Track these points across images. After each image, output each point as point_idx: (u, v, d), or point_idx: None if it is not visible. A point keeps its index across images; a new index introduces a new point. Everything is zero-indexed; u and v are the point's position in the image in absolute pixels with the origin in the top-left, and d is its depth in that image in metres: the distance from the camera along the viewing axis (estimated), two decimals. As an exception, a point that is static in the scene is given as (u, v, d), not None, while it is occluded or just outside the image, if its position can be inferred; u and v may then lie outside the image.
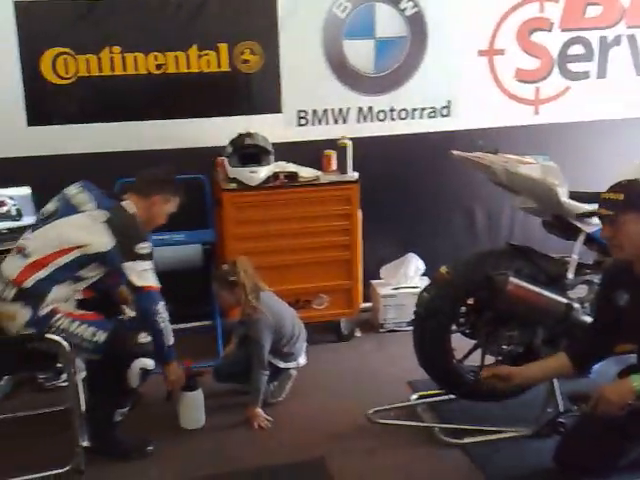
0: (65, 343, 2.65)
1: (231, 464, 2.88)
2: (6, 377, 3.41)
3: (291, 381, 3.37)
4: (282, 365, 3.31)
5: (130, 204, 2.86)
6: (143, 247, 2.76)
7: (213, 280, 3.40)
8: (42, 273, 2.68)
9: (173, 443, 3.02)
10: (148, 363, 2.79)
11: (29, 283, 2.68)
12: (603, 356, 2.67)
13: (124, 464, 2.88)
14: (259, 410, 3.16)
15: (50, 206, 2.88)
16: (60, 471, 2.74)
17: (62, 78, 3.69)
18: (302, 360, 3.41)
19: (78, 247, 2.71)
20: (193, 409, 3.13)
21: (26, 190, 3.50)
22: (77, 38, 3.66)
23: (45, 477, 2.73)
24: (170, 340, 2.85)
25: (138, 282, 2.75)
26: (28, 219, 3.48)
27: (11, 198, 3.49)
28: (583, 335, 2.65)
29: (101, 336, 2.74)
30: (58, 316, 2.71)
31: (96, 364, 2.85)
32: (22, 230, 3.36)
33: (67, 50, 3.66)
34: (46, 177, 3.59)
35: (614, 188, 2.27)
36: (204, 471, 2.84)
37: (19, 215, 3.51)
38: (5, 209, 3.49)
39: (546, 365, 2.67)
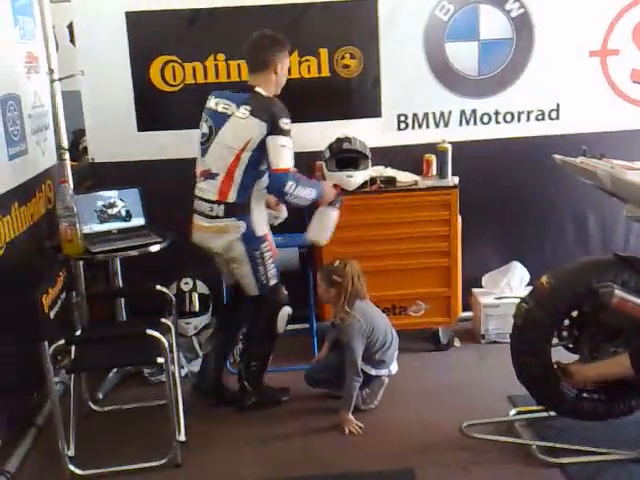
0: (164, 340, 2.76)
1: (319, 467, 2.88)
2: (114, 370, 3.59)
3: (383, 388, 3.33)
4: (374, 372, 3.27)
5: (259, 88, 3.08)
6: (285, 122, 3.00)
7: (319, 270, 3.41)
8: (235, 183, 3.03)
9: (264, 443, 3.06)
10: (290, 311, 3.25)
11: (232, 197, 3.04)
12: None
13: (220, 459, 2.96)
14: (350, 416, 3.14)
15: (204, 129, 3.15)
16: (158, 463, 2.87)
17: (170, 85, 3.84)
18: (394, 368, 3.36)
19: (245, 146, 2.99)
20: (325, 223, 3.34)
21: (135, 191, 3.65)
22: (183, 46, 3.80)
23: (144, 468, 2.86)
24: (313, 194, 3.15)
25: (273, 162, 2.97)
26: (138, 220, 3.65)
27: (121, 199, 3.65)
28: None
29: (272, 280, 3.21)
30: (266, 244, 3.16)
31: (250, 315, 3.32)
32: (132, 230, 3.57)
33: (174, 58, 3.81)
34: (154, 180, 3.77)
35: None
36: (293, 472, 2.86)
37: (129, 216, 3.66)
38: (116, 210, 3.64)
39: (606, 365, 2.62)
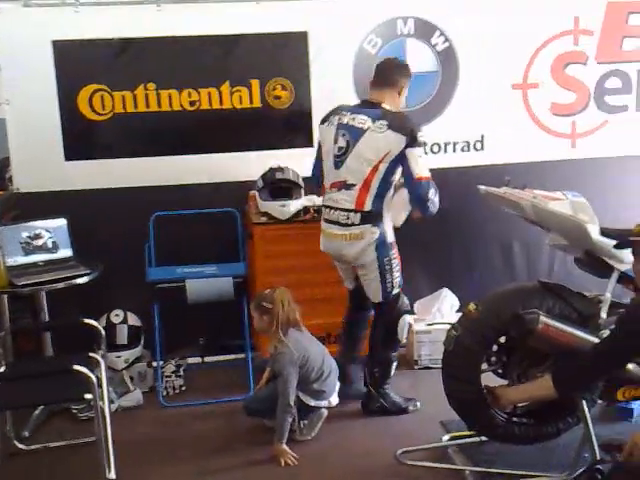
0: (92, 375, 2.68)
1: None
2: (40, 407, 3.46)
3: (322, 421, 3.32)
4: (312, 403, 3.26)
5: (386, 104, 3.25)
6: (421, 135, 3.18)
7: (252, 300, 3.40)
8: (371, 193, 3.20)
9: (200, 478, 3.00)
10: (410, 320, 3.42)
11: (367, 206, 3.21)
12: (589, 385, 2.68)
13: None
14: (284, 446, 3.12)
15: (341, 142, 3.27)
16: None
17: (98, 114, 3.79)
18: (334, 400, 3.35)
19: (383, 158, 3.15)
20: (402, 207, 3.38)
21: (62, 222, 3.56)
22: (113, 76, 3.76)
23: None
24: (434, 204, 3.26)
25: (415, 171, 3.15)
26: (65, 252, 3.57)
27: (47, 230, 3.56)
28: (572, 361, 2.57)
29: (396, 289, 3.36)
30: (394, 251, 3.33)
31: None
32: (58, 262, 3.48)
33: (103, 87, 3.76)
34: (82, 210, 3.70)
35: None
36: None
37: (55, 247, 3.58)
38: (42, 241, 3.55)
39: (530, 387, 2.70)
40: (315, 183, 3.59)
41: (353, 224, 3.24)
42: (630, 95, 4.24)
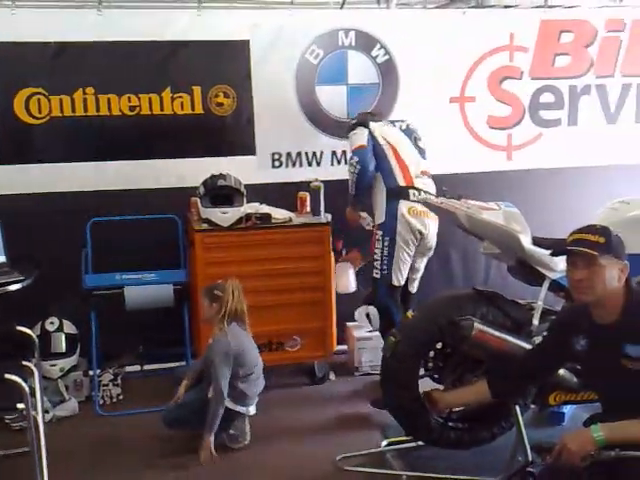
0: (25, 385, 2.61)
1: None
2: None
3: (247, 423, 3.29)
4: (230, 405, 3.21)
5: None
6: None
7: (203, 289, 3.39)
8: None
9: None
10: None
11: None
12: (523, 390, 2.75)
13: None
14: (210, 441, 3.10)
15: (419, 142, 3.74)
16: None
17: (35, 118, 3.71)
18: (252, 409, 3.32)
19: None
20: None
21: (-6, 227, 3.47)
22: (50, 79, 3.70)
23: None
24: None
25: None
26: (-2, 257, 3.46)
27: (-20, 236, 3.45)
28: (506, 366, 2.65)
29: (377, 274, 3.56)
30: None
31: None
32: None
33: (40, 90, 3.69)
34: (17, 215, 3.58)
35: (591, 231, 2.24)
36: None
37: (-13, 253, 3.47)
38: (-26, 247, 3.45)
39: (466, 391, 2.76)
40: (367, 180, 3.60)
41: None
42: (562, 110, 4.41)
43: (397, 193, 3.54)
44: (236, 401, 3.23)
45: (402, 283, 3.61)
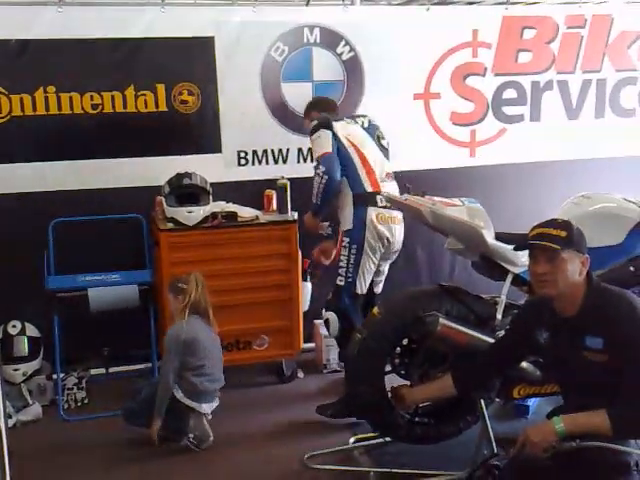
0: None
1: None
2: None
3: (205, 420, 3.26)
4: (180, 397, 3.18)
5: None
6: None
7: (168, 284, 3.40)
8: None
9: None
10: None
11: None
12: (485, 383, 2.78)
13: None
14: (156, 426, 3.15)
15: (382, 141, 3.68)
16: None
17: (-6, 117, 3.64)
18: (206, 408, 3.26)
19: None
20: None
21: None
22: (11, 78, 3.62)
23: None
24: None
25: None
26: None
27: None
28: (470, 361, 2.68)
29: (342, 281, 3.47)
30: None
31: None
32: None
33: (0, 89, 3.61)
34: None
35: (553, 225, 2.27)
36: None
37: (-55, 256, 3.41)
38: None
39: (432, 386, 2.79)
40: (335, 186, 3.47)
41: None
42: (525, 106, 4.45)
43: (365, 199, 3.44)
44: (188, 395, 3.20)
45: (365, 291, 3.53)
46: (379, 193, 3.44)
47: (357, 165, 3.46)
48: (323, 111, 3.64)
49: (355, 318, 3.45)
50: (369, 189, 3.45)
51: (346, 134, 3.50)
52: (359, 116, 3.74)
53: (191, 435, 3.21)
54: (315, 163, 3.46)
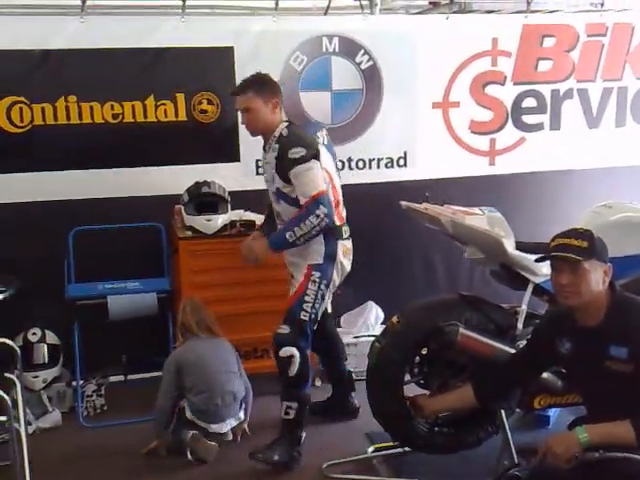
0: (7, 397, 2.58)
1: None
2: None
3: (217, 439, 3.23)
4: (188, 415, 3.21)
5: None
6: None
7: None
8: None
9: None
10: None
11: None
12: (506, 393, 2.75)
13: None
14: (154, 444, 3.23)
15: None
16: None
17: (17, 127, 3.68)
18: (216, 427, 3.24)
19: None
20: None
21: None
22: (32, 87, 3.67)
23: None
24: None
25: None
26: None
27: (-40, 246, 3.43)
28: (491, 371, 2.67)
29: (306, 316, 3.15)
30: None
31: None
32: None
33: (22, 99, 3.65)
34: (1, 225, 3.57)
35: (574, 235, 2.26)
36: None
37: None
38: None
39: (451, 396, 2.77)
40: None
41: None
42: (545, 114, 4.43)
43: (333, 233, 3.14)
44: (196, 414, 3.23)
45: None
46: (344, 224, 3.24)
47: (330, 196, 3.10)
48: (276, 97, 3.17)
49: (308, 351, 3.18)
50: (338, 222, 3.18)
51: (323, 162, 3.11)
52: (318, 126, 3.46)
53: (190, 452, 3.18)
54: (308, 200, 2.98)
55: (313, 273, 3.14)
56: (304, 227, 3.00)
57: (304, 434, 3.17)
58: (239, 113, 3.27)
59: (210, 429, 3.24)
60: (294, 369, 3.08)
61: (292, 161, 3.00)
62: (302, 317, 3.12)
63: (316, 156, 3.03)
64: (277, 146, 3.09)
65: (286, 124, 3.15)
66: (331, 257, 3.15)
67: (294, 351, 3.08)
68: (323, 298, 3.17)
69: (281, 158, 3.05)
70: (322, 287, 3.14)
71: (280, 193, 3.14)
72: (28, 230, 3.66)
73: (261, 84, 3.16)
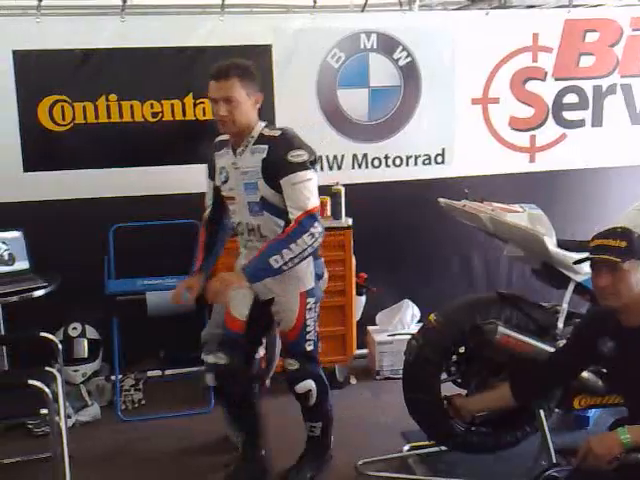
0: (48, 390, 2.63)
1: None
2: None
3: None
4: None
5: None
6: None
7: None
8: None
9: None
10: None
11: None
12: (545, 393, 2.71)
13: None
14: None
15: None
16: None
17: (59, 125, 3.74)
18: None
19: None
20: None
21: (17, 234, 3.52)
22: (74, 86, 3.72)
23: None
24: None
25: None
26: (21, 264, 3.52)
27: (4, 242, 3.50)
28: (531, 369, 2.62)
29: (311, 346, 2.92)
30: None
31: None
32: (15, 275, 3.42)
33: (64, 98, 3.72)
34: (41, 222, 3.65)
35: (612, 235, 2.22)
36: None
37: (11, 260, 3.52)
38: (-3, 254, 3.50)
39: (489, 396, 2.74)
40: None
41: None
42: (587, 111, 4.34)
43: (316, 250, 2.77)
44: None
45: None
46: None
47: None
48: (259, 93, 2.81)
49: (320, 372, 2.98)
50: None
51: None
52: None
53: None
54: (301, 215, 2.60)
55: (307, 300, 2.82)
56: (295, 248, 2.54)
57: (332, 437, 3.08)
58: (211, 103, 2.76)
59: None
60: (312, 400, 2.91)
61: (292, 165, 2.61)
62: (307, 348, 2.88)
63: (315, 163, 2.74)
64: (264, 147, 2.68)
65: (264, 123, 2.78)
66: (318, 278, 2.88)
67: (310, 384, 2.89)
68: (318, 316, 2.91)
69: (273, 161, 2.64)
70: (316, 309, 2.88)
71: (265, 203, 2.70)
72: (69, 227, 3.73)
73: (247, 74, 2.71)
